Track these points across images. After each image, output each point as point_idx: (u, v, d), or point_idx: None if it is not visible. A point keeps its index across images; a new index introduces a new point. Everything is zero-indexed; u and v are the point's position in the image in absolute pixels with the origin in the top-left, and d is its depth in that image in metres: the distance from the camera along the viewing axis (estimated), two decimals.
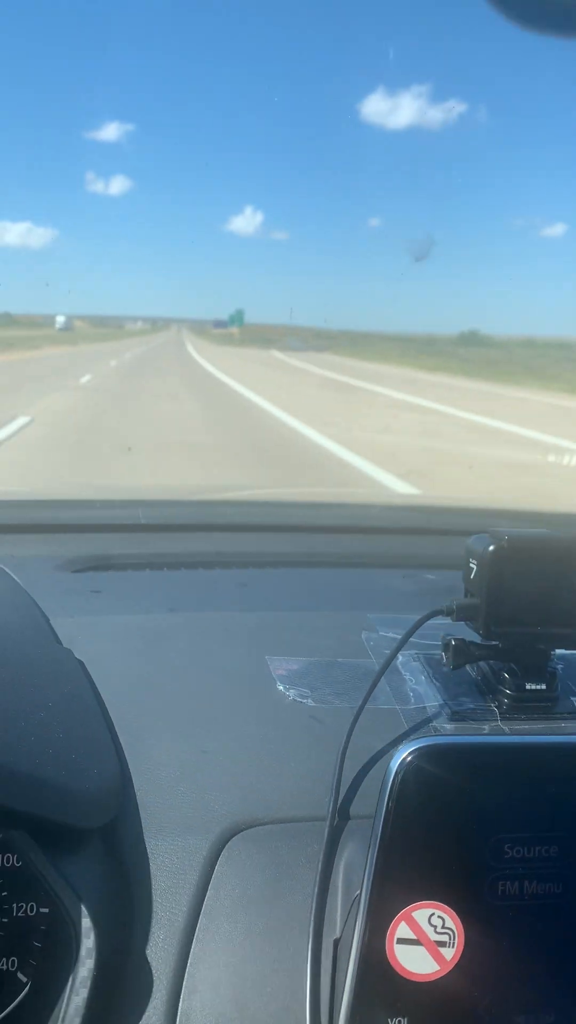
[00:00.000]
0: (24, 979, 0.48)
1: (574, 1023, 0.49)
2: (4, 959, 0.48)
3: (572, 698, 0.63)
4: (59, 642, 0.71)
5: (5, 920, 0.48)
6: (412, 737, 0.55)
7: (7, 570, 0.84)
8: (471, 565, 0.62)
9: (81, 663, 0.66)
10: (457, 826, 0.48)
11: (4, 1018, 0.49)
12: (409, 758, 0.48)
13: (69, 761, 0.53)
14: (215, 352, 30.21)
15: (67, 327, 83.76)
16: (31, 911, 0.49)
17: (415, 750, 0.48)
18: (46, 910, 0.49)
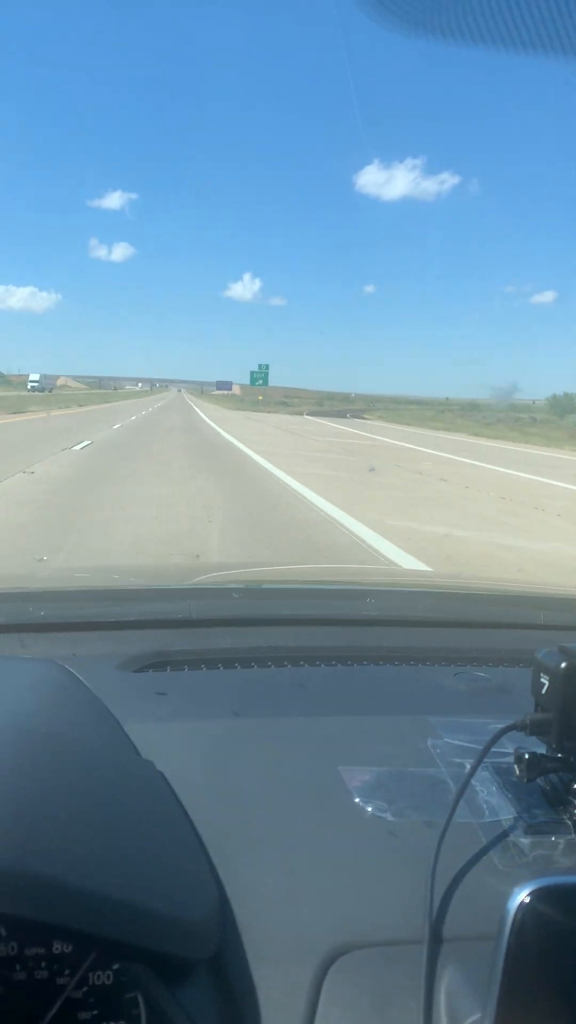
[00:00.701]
0: None
1: None
2: None
3: None
4: (138, 753, 0.71)
5: None
6: (495, 859, 0.59)
7: (75, 672, 0.84)
8: (542, 680, 0.64)
9: (163, 776, 0.67)
10: (573, 966, 0.48)
11: None
12: (527, 901, 0.47)
13: (177, 891, 0.54)
14: (244, 424, 26.49)
15: (43, 387, 78.40)
16: None
17: (533, 892, 0.48)
18: None
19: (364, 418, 43.14)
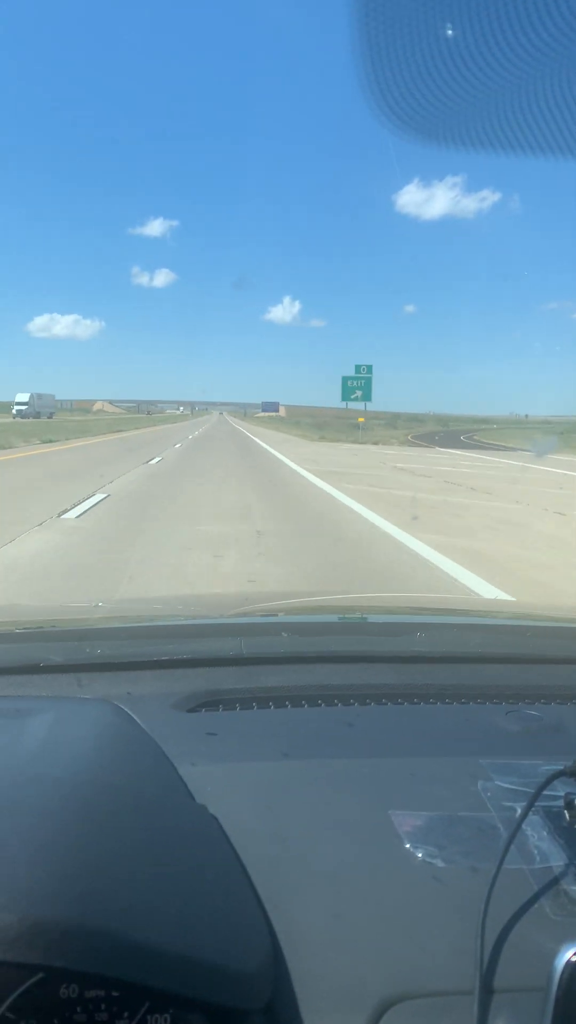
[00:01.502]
0: None
1: None
2: None
3: None
4: (192, 796, 0.73)
5: None
6: (545, 906, 0.61)
7: (130, 713, 0.87)
8: None
9: (216, 820, 0.69)
10: None
11: None
12: (574, 959, 0.49)
13: (229, 941, 0.55)
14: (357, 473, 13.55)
15: (37, 412, 57.72)
16: None
17: None
18: None
19: (509, 447, 29.97)
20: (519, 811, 0.73)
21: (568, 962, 0.50)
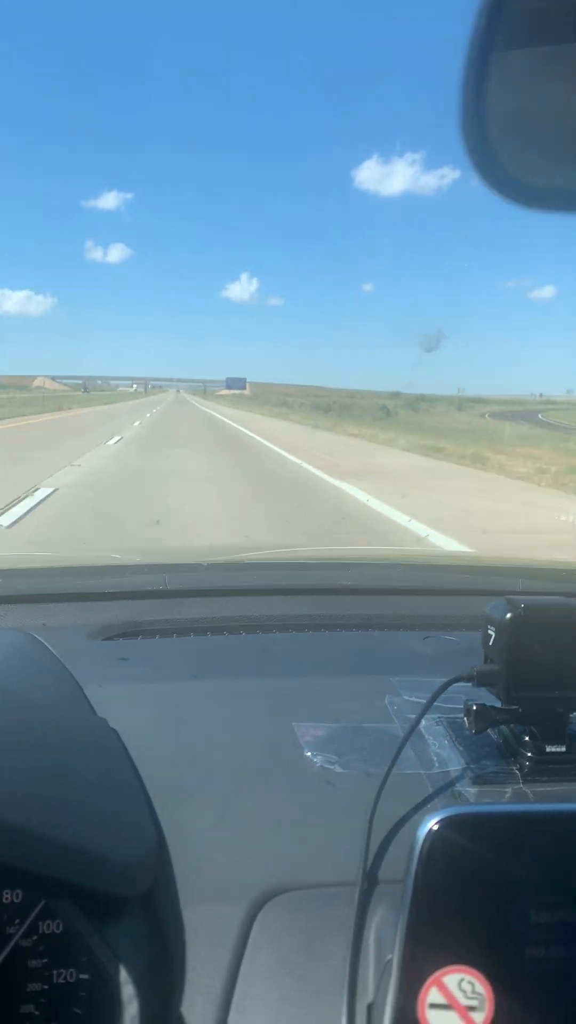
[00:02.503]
0: None
1: None
2: None
3: None
4: (94, 712, 0.79)
5: (46, 987, 0.54)
6: (437, 805, 0.61)
7: (41, 640, 0.92)
8: (490, 632, 0.68)
9: (115, 732, 0.74)
10: (483, 893, 0.52)
11: None
12: (436, 828, 0.52)
13: (110, 831, 0.60)
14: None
15: None
16: (71, 978, 0.54)
17: (441, 820, 0.53)
18: (86, 976, 0.54)
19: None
20: (423, 723, 0.78)
21: (429, 831, 0.53)
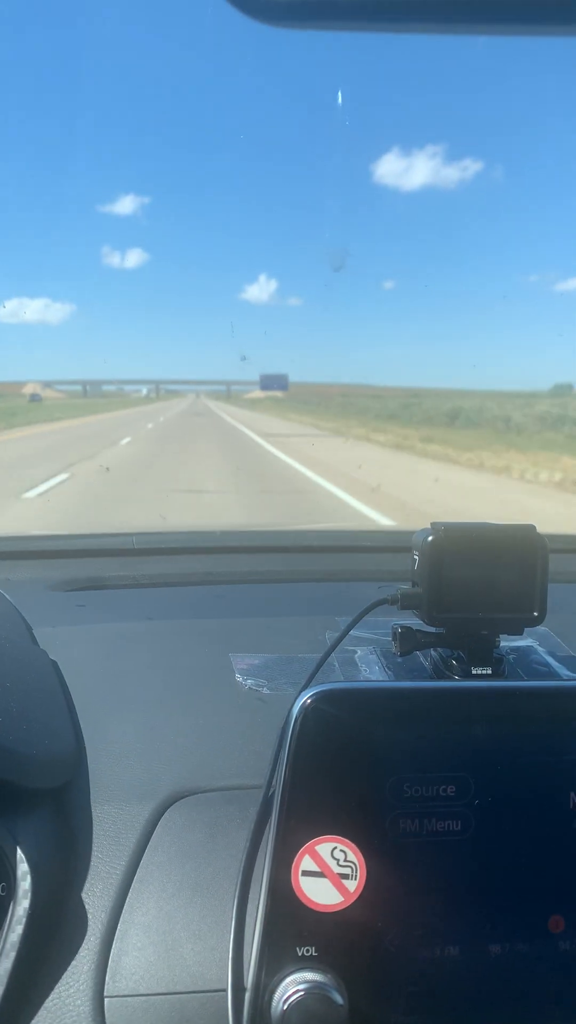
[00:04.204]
0: None
1: (476, 955, 0.59)
2: None
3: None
4: (36, 644, 0.88)
5: None
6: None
7: (2, 592, 0.99)
8: (415, 556, 0.74)
9: (54, 663, 0.83)
10: (356, 765, 0.59)
11: None
12: (309, 701, 0.59)
13: (22, 730, 0.67)
14: None
15: None
16: (2, 891, 0.62)
17: (315, 694, 0.59)
18: (5, 885, 0.61)
19: None
20: (358, 652, 0.86)
21: (303, 704, 0.59)
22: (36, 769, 0.66)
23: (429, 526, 0.73)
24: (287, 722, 0.60)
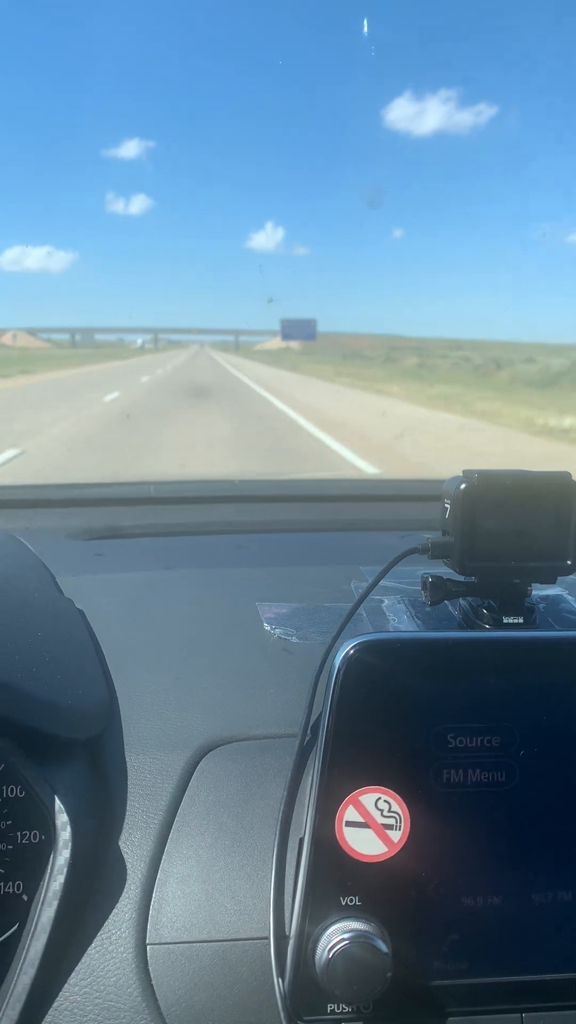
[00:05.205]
0: (27, 899, 0.64)
1: (518, 905, 0.62)
2: (11, 883, 0.64)
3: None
4: (62, 593, 0.91)
5: (9, 847, 0.64)
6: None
7: (19, 538, 1.03)
8: (446, 504, 0.75)
9: (81, 612, 0.86)
10: (400, 716, 0.61)
11: (13, 936, 0.63)
12: (352, 652, 0.61)
13: (56, 680, 0.70)
14: None
15: None
16: (34, 839, 0.65)
17: (358, 644, 0.61)
18: (45, 836, 0.65)
19: None
20: (384, 602, 0.88)
21: (345, 654, 0.60)
22: (70, 719, 0.68)
23: (461, 474, 0.75)
24: (329, 672, 0.62)
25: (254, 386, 17.94)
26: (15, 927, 0.64)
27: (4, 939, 0.63)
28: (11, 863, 0.65)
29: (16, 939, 0.64)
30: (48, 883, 0.62)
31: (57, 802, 0.64)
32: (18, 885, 0.65)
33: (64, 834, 0.63)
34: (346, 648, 0.61)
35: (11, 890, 0.65)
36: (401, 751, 0.60)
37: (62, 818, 0.64)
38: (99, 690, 0.74)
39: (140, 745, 0.72)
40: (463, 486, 0.72)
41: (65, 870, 0.62)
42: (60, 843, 0.63)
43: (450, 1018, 0.62)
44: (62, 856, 0.63)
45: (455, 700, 0.62)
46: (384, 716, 0.61)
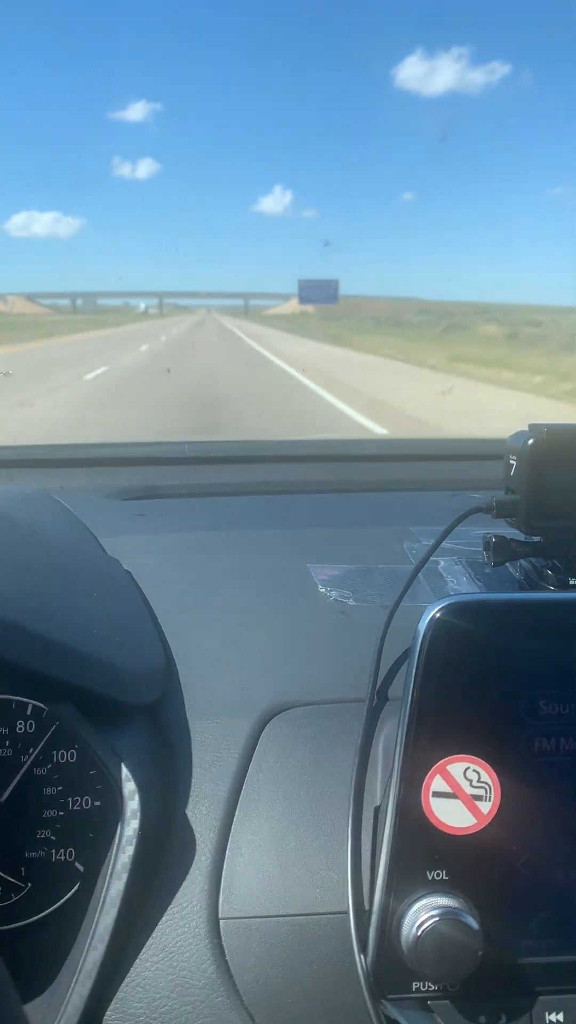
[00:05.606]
0: (81, 868, 0.64)
1: None
2: (63, 850, 0.64)
3: None
4: (104, 551, 0.91)
5: (61, 813, 0.64)
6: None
7: (58, 499, 1.01)
8: (511, 461, 0.73)
9: (128, 572, 0.85)
10: (489, 682, 0.58)
11: (68, 903, 0.64)
12: (439, 615, 0.58)
13: (115, 642, 0.69)
14: None
15: None
16: (85, 804, 0.64)
17: (445, 606, 0.58)
18: (99, 803, 0.64)
19: None
20: (441, 563, 0.86)
21: (432, 617, 0.58)
22: (132, 682, 0.68)
23: (527, 429, 0.71)
24: (416, 635, 0.59)
25: (325, 395, 9.90)
26: (71, 893, 0.63)
27: (60, 906, 0.63)
28: (62, 830, 0.65)
29: (75, 909, 0.63)
30: (116, 854, 0.61)
31: (124, 770, 0.62)
32: (70, 852, 0.64)
33: (132, 803, 0.61)
34: (432, 610, 0.58)
35: (63, 857, 0.64)
36: (491, 718, 0.58)
37: (129, 786, 0.62)
38: (157, 653, 0.73)
39: (201, 710, 0.70)
40: (531, 441, 0.69)
41: (134, 841, 0.60)
42: (128, 813, 0.61)
43: (539, 997, 0.60)
44: (130, 827, 0.61)
45: (547, 665, 0.58)
46: (473, 682, 0.58)
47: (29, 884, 0.64)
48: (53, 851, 0.64)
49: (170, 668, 0.73)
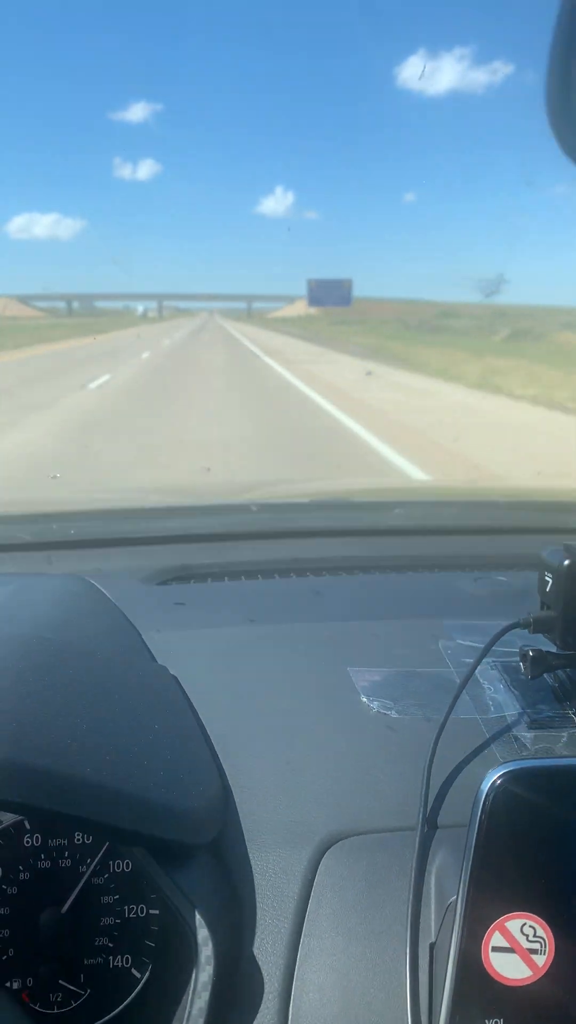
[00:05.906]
0: (138, 975, 0.68)
1: None
2: (119, 957, 0.68)
3: None
4: (154, 659, 0.92)
5: (118, 921, 0.68)
6: (495, 751, 0.73)
7: (98, 586, 1.03)
8: (547, 578, 0.77)
9: (176, 679, 0.86)
10: (546, 845, 0.62)
11: (126, 1012, 0.67)
12: (499, 782, 0.61)
13: (177, 782, 0.70)
14: None
15: None
16: (142, 912, 0.68)
17: (504, 774, 0.61)
18: (156, 912, 0.69)
19: None
20: (479, 669, 0.90)
21: (492, 784, 0.60)
22: (197, 823, 0.69)
23: (561, 547, 0.76)
24: (476, 801, 0.62)
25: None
26: (129, 999, 0.66)
27: (118, 1014, 0.66)
28: (119, 937, 0.68)
29: (130, 1017, 0.67)
30: (192, 1000, 0.63)
31: (197, 916, 0.64)
32: (127, 959, 0.67)
33: (206, 949, 0.63)
34: (492, 777, 0.60)
35: (120, 963, 0.67)
36: (547, 878, 0.61)
37: (203, 932, 0.64)
38: (215, 784, 0.74)
39: (260, 841, 0.72)
40: (567, 562, 0.73)
41: (209, 987, 0.62)
42: (202, 959, 0.63)
43: None
44: (204, 973, 0.63)
45: None
46: (530, 846, 0.61)
47: (89, 990, 0.68)
48: (111, 958, 0.68)
49: (227, 798, 0.74)
